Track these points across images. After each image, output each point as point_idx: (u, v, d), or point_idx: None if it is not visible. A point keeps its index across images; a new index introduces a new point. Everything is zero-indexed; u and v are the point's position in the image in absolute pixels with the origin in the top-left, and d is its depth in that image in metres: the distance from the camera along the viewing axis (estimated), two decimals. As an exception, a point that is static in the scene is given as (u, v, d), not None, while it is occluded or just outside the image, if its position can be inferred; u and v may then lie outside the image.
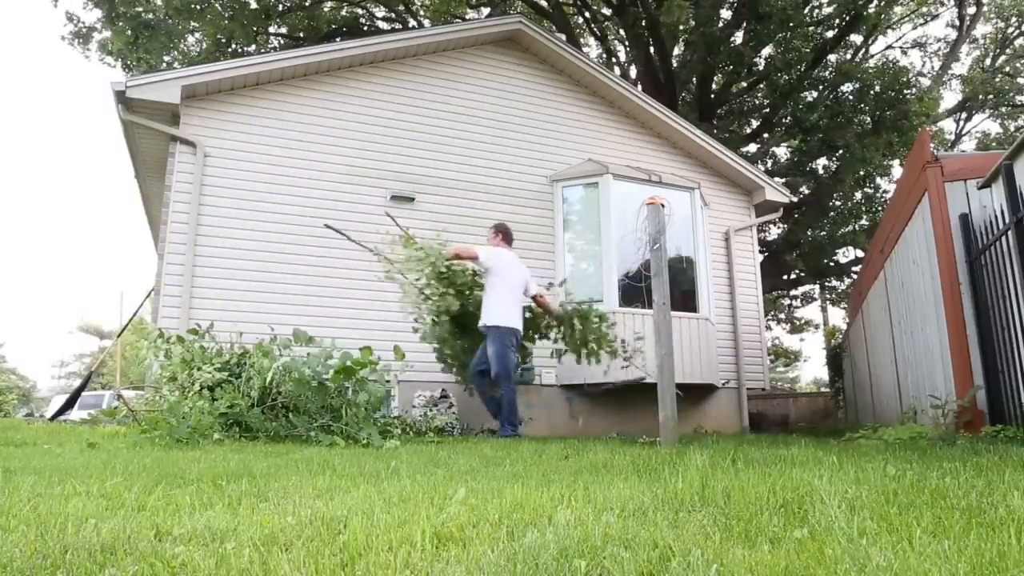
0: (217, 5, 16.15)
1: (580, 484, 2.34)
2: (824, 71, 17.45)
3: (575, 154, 9.64)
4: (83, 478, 2.53)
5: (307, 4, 17.92)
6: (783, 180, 17.07)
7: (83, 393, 13.65)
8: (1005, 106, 20.64)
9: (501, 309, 6.00)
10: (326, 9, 18.88)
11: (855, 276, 16.17)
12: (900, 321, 7.50)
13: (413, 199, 8.63)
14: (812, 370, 47.43)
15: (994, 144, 19.56)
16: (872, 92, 15.95)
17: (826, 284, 21.94)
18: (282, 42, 18.60)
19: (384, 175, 8.60)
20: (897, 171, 17.70)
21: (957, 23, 20.12)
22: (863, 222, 17.47)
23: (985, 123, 30.49)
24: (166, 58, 17.04)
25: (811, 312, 38.84)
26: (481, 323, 6.07)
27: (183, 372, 5.42)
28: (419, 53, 9.22)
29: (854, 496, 1.93)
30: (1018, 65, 21.04)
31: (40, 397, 42.48)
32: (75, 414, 12.49)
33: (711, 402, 9.53)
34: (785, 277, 20.29)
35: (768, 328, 21.79)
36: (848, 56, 18.98)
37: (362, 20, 19.46)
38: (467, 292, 6.41)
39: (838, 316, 25.27)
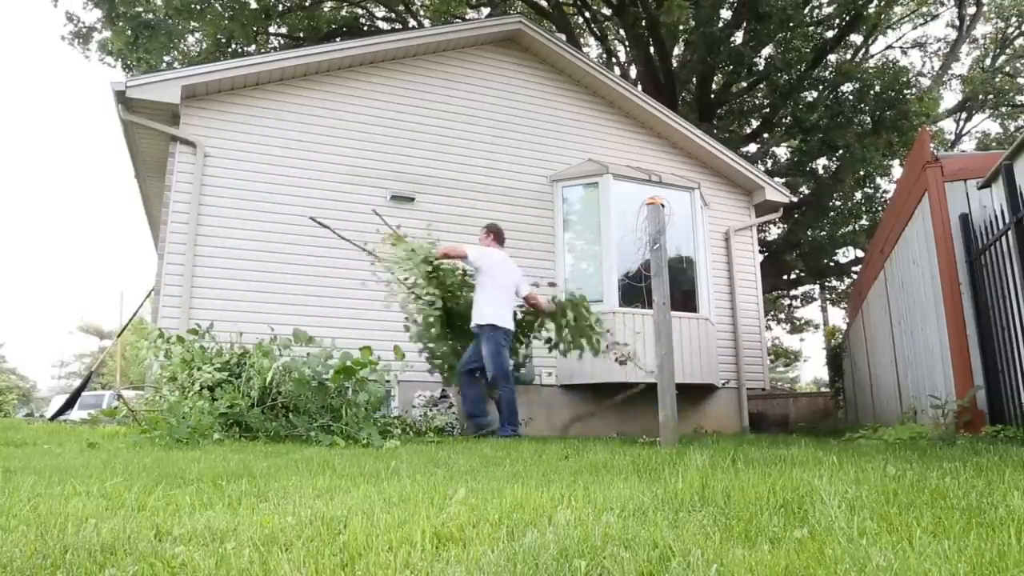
0: (217, 5, 16.15)
1: (580, 484, 2.34)
2: (824, 71, 17.45)
3: (575, 154, 9.64)
4: (83, 478, 2.53)
5: (307, 4, 17.92)
6: (783, 180, 17.08)
7: (83, 393, 13.65)
8: (1005, 106, 20.65)
9: (491, 308, 5.99)
10: (326, 9, 18.88)
11: (855, 276, 16.18)
12: (900, 321, 7.50)
13: (413, 199, 8.63)
14: (812, 370, 47.45)
15: (994, 144, 19.56)
16: (872, 92, 15.95)
17: (826, 284, 21.94)
18: (282, 42, 18.60)
19: (384, 175, 8.60)
20: (897, 171, 17.71)
21: (957, 23, 20.13)
22: (863, 222, 17.48)
23: (985, 123, 30.53)
24: (166, 58, 17.05)
25: (811, 312, 38.87)
26: (472, 323, 6.06)
27: (183, 372, 5.42)
28: (419, 53, 9.22)
29: (854, 496, 1.93)
30: (1018, 65, 21.05)
31: (40, 397, 42.49)
32: (75, 414, 12.49)
33: (711, 402, 9.54)
34: (785, 277, 20.29)
35: (768, 328, 21.80)
36: (848, 56, 18.98)
37: (362, 20, 19.46)
38: (457, 292, 6.40)
39: (838, 316, 25.28)
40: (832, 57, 18.30)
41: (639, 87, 15.29)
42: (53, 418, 11.33)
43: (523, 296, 6.39)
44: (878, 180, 17.66)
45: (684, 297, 9.02)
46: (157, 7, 16.07)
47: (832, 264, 19.39)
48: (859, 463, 2.85)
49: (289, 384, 5.13)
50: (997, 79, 19.95)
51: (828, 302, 23.30)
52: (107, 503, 2.05)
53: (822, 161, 17.90)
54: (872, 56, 19.51)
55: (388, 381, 6.19)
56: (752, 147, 19.85)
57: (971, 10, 19.71)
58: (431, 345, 6.53)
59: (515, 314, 6.41)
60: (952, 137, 21.48)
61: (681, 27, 16.35)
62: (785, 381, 39.66)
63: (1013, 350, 4.80)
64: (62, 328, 79.30)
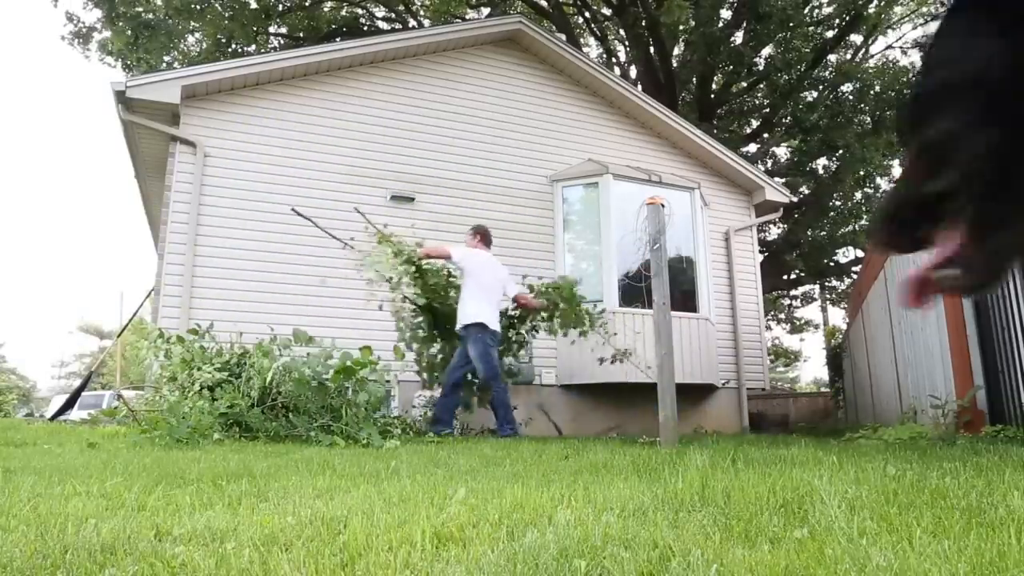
0: (217, 5, 16.16)
1: (580, 484, 2.34)
2: (824, 71, 17.46)
3: (575, 154, 9.64)
4: (83, 478, 2.53)
5: (307, 4, 17.92)
6: (783, 180, 17.07)
7: (83, 393, 13.64)
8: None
9: (474, 308, 5.96)
10: (326, 9, 18.88)
11: (855, 276, 16.18)
12: (900, 321, 7.51)
13: (413, 199, 8.63)
14: (812, 370, 47.48)
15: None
16: (872, 92, 15.97)
17: (826, 284, 21.95)
18: (282, 42, 18.60)
19: (384, 175, 8.59)
20: (897, 171, 17.70)
21: (957, 23, 20.09)
22: (863, 222, 17.48)
23: (985, 123, 30.42)
24: (166, 58, 17.05)
25: (811, 312, 38.88)
26: (458, 325, 6.03)
27: (183, 372, 5.42)
28: (419, 53, 9.22)
29: (854, 496, 1.93)
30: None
31: (40, 397, 42.50)
32: (75, 414, 12.49)
33: (711, 402, 9.53)
34: (785, 277, 20.29)
35: (768, 328, 21.79)
36: (848, 56, 18.99)
37: (362, 20, 19.46)
38: (443, 294, 6.39)
39: (838, 316, 25.29)
40: (832, 57, 18.31)
41: (639, 87, 15.29)
42: (53, 418, 11.33)
43: (512, 296, 6.37)
44: (878, 180, 17.68)
45: (684, 297, 9.02)
46: (157, 7, 16.08)
47: (832, 264, 19.39)
48: (859, 463, 2.85)
49: (289, 384, 5.13)
50: (997, 79, 19.92)
51: (828, 302, 23.33)
52: (107, 503, 2.04)
53: (822, 161, 17.92)
54: (872, 56, 19.52)
55: (388, 381, 6.19)
56: (752, 147, 19.85)
57: (971, 10, 19.68)
58: (415, 345, 6.54)
59: (505, 312, 6.41)
60: (952, 137, 21.44)
61: (681, 27, 16.36)
62: (785, 381, 39.66)
63: (1013, 350, 4.80)
64: (62, 328, 79.40)
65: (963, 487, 2.07)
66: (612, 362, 6.46)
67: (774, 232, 19.21)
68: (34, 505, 1.97)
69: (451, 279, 6.46)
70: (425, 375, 6.70)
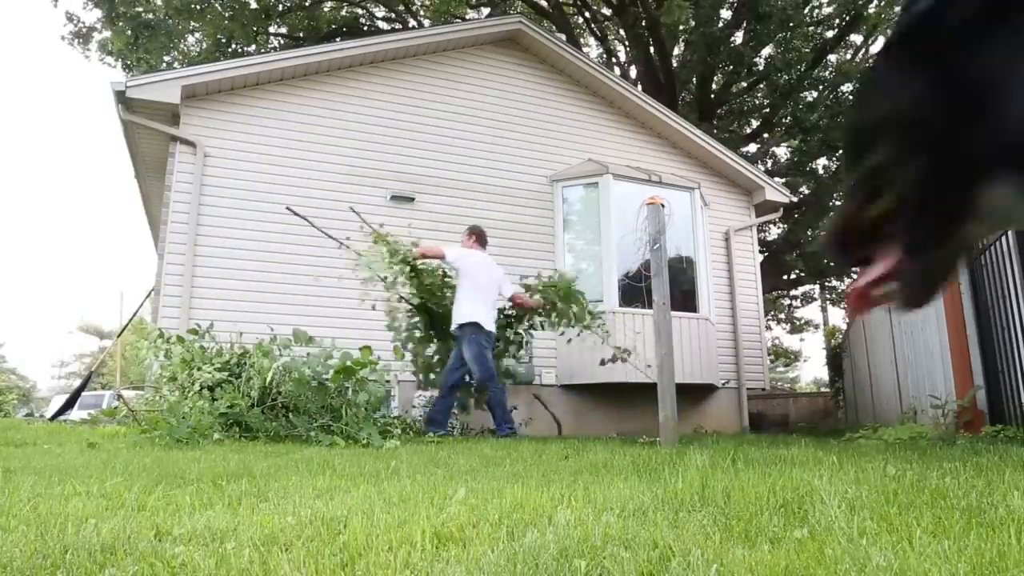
0: (217, 5, 16.16)
1: (580, 484, 2.34)
2: (824, 71, 17.46)
3: (575, 154, 9.64)
4: (83, 478, 2.53)
5: (307, 4, 17.92)
6: (783, 180, 17.06)
7: (83, 393, 13.64)
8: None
9: (469, 308, 5.94)
10: (326, 9, 18.88)
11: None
12: (900, 321, 7.51)
13: (413, 199, 8.63)
14: (812, 370, 47.49)
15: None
16: (872, 92, 15.94)
17: (826, 284, 21.94)
18: (282, 42, 18.60)
19: (384, 175, 8.59)
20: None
21: (957, 23, 20.11)
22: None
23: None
24: (166, 58, 17.05)
25: (811, 312, 38.91)
26: (453, 325, 6.02)
27: (183, 372, 5.43)
28: (419, 53, 9.22)
29: (854, 496, 1.93)
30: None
31: (40, 397, 42.50)
32: (75, 414, 12.49)
33: (711, 402, 9.53)
34: (785, 277, 20.29)
35: (768, 328, 21.79)
36: (848, 56, 19.00)
37: (362, 20, 19.46)
38: (438, 294, 6.38)
39: (838, 316, 25.29)
40: (832, 57, 18.31)
41: (639, 87, 15.29)
42: (53, 418, 11.33)
43: (508, 296, 6.36)
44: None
45: (684, 297, 9.02)
46: (157, 7, 16.08)
47: (832, 264, 19.38)
48: (859, 463, 2.85)
49: (289, 384, 5.13)
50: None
51: (828, 302, 23.31)
52: (107, 503, 2.05)
53: (822, 161, 17.91)
54: (872, 56, 19.50)
55: (388, 381, 6.19)
56: (752, 147, 19.85)
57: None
58: (411, 346, 6.54)
59: (502, 311, 6.40)
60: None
61: (681, 27, 16.36)
62: (785, 381, 39.66)
63: (1013, 350, 4.80)
64: (62, 328, 79.39)
65: (963, 487, 2.07)
66: (612, 361, 6.46)
67: (774, 232, 19.22)
68: (34, 505, 1.97)
69: (447, 279, 6.45)
70: (421, 376, 6.69)
